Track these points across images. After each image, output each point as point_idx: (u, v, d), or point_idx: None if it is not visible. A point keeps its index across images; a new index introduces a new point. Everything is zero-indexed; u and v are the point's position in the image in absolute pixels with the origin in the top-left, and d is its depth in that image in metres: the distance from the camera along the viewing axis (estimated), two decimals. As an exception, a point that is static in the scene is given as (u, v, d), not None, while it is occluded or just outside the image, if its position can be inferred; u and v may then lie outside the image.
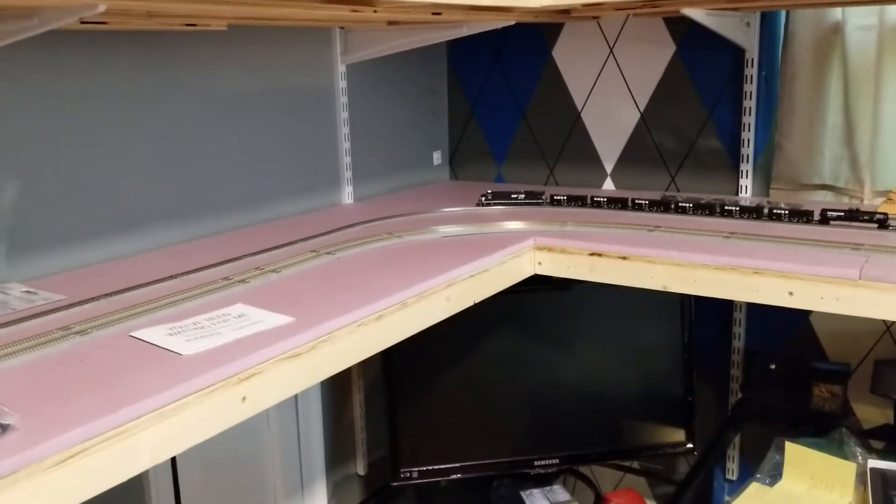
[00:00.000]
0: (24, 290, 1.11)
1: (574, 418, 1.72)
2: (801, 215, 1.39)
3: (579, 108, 1.90)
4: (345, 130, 1.75)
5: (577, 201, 1.61)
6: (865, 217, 1.34)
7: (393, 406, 1.68)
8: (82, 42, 1.24)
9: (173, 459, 1.45)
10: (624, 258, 1.29)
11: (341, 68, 1.73)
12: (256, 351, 0.86)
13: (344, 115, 1.75)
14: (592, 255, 1.32)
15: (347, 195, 1.78)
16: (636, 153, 1.84)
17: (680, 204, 1.51)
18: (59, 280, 1.17)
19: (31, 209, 1.20)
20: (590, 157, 1.90)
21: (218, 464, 1.58)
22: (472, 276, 1.22)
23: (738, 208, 1.45)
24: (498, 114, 2.03)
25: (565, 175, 1.95)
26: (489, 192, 1.66)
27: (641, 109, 1.81)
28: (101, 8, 0.83)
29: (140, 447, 0.74)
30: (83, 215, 1.27)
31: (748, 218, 1.43)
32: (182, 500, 1.48)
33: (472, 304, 1.23)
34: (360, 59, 1.72)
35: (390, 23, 1.58)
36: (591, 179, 1.91)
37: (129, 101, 1.32)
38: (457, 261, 1.22)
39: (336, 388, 1.88)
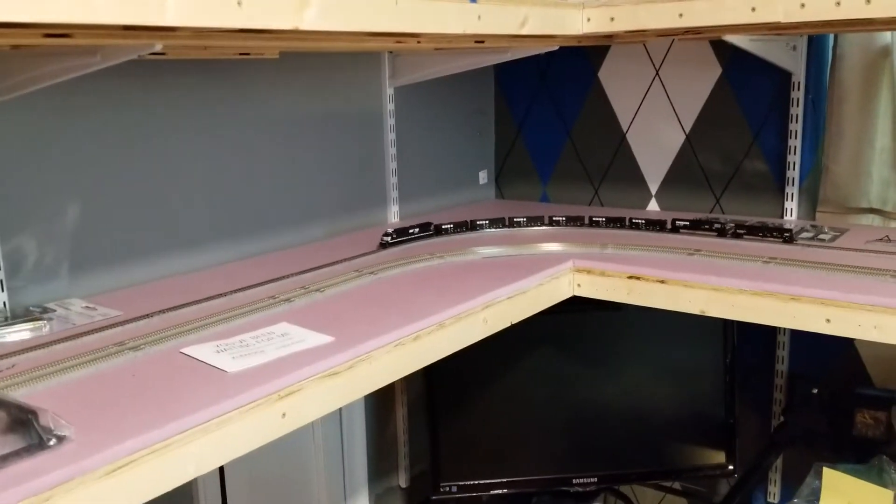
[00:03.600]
0: (84, 305, 1.17)
1: (615, 438, 1.72)
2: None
3: (625, 129, 1.91)
4: (392, 151, 1.80)
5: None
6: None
7: (434, 421, 1.71)
8: (141, 71, 1.31)
9: (221, 469, 1.51)
10: (662, 282, 1.30)
11: (389, 91, 1.77)
12: (297, 369, 0.91)
13: (391, 136, 1.79)
14: (630, 278, 1.33)
15: (394, 214, 1.83)
16: (681, 175, 1.85)
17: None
18: (117, 296, 1.24)
19: (93, 229, 1.26)
20: (635, 177, 1.92)
21: (264, 473, 1.63)
22: (509, 297, 1.25)
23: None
24: (544, 134, 2.05)
25: (610, 195, 1.97)
26: (391, 230, 1.53)
27: (687, 131, 1.82)
28: (158, 47, 0.89)
29: (186, 459, 0.78)
30: (141, 235, 1.33)
31: (789, 243, 1.43)
32: (230, 508, 1.54)
33: (508, 325, 1.25)
34: (407, 83, 1.76)
35: (436, 49, 1.62)
36: (635, 200, 1.92)
37: (185, 125, 1.39)
38: (495, 282, 1.25)
39: (380, 402, 1.92)
